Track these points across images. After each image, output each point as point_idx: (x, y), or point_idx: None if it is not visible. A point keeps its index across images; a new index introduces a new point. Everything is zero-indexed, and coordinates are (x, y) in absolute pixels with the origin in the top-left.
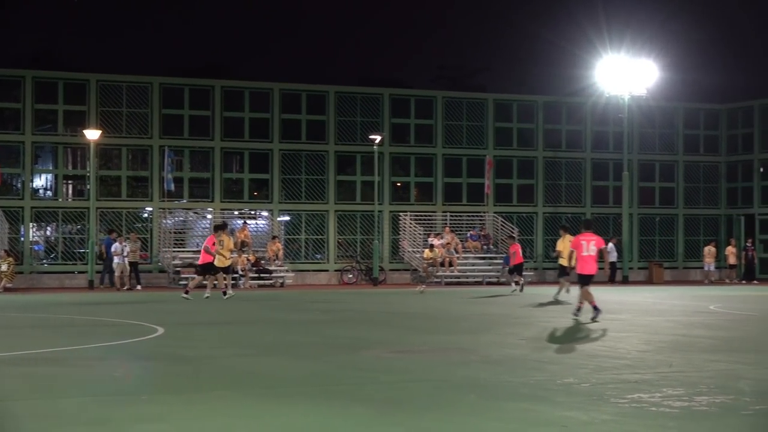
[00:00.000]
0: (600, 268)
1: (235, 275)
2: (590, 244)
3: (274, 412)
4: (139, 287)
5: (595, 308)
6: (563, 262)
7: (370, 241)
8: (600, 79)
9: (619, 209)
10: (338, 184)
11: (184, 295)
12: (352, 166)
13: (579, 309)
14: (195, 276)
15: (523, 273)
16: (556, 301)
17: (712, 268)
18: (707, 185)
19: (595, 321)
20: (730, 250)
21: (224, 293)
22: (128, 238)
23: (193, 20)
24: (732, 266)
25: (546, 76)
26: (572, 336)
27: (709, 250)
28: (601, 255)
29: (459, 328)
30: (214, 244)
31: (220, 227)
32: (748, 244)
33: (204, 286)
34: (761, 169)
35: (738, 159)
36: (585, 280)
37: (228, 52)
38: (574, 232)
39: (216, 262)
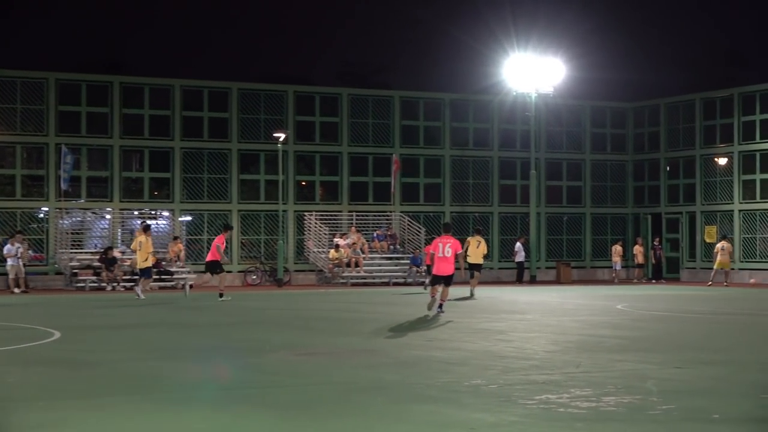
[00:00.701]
0: (456, 268)
1: (135, 277)
2: (446, 247)
3: (175, 418)
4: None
5: (440, 306)
6: (470, 259)
7: (275, 241)
8: (507, 77)
9: (527, 208)
10: (241, 183)
11: (222, 299)
12: (256, 164)
13: (441, 306)
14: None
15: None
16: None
17: (620, 267)
18: (614, 184)
19: (427, 316)
20: (638, 249)
21: (220, 295)
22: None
23: (89, 14)
24: (639, 265)
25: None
26: (480, 337)
27: (616, 249)
28: (457, 258)
29: (366, 330)
30: (224, 243)
31: (228, 227)
32: (655, 243)
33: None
34: (667, 168)
35: (645, 158)
36: (438, 281)
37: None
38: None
39: (139, 263)
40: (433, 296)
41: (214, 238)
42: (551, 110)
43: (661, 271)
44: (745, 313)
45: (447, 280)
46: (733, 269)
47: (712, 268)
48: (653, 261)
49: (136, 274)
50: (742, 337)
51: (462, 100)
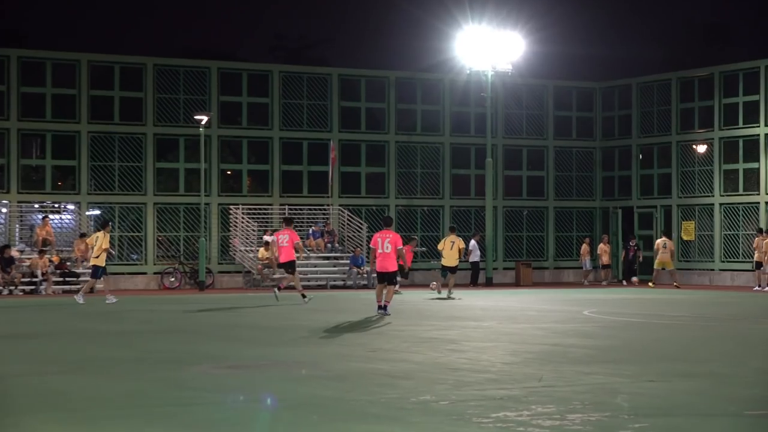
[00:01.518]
0: (399, 265)
1: (36, 279)
2: (385, 242)
3: None
4: None
5: (381, 307)
6: (444, 261)
7: (196, 238)
8: (460, 53)
9: (482, 201)
10: (158, 172)
11: (305, 298)
12: (175, 151)
13: (385, 308)
14: (285, 275)
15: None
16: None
17: (589, 266)
18: (580, 174)
19: (379, 316)
20: (603, 248)
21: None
22: None
23: None
24: (605, 266)
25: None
26: (429, 347)
27: (585, 247)
28: (398, 254)
29: (299, 339)
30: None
31: (289, 221)
32: (631, 244)
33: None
34: (640, 156)
35: (615, 144)
36: (381, 279)
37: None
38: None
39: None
40: (379, 302)
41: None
42: (510, 90)
43: (635, 271)
44: (725, 318)
45: (390, 278)
46: (712, 270)
47: (686, 270)
48: (624, 261)
49: (36, 276)
50: (722, 346)
51: (409, 79)
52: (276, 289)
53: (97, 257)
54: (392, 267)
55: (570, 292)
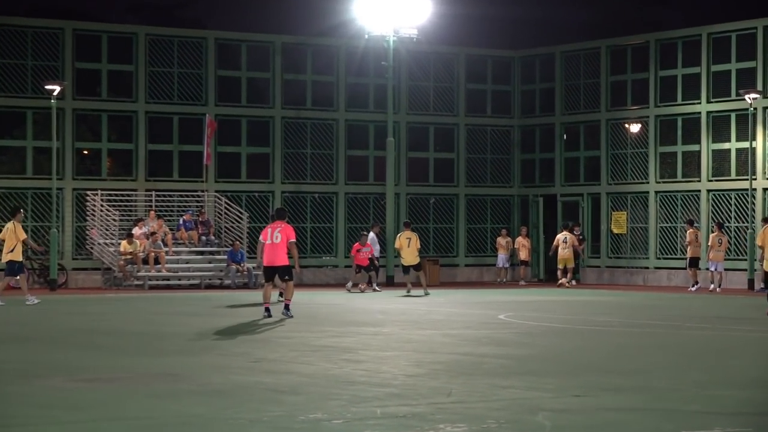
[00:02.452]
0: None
1: None
2: (276, 231)
3: None
4: None
5: (285, 307)
6: (404, 260)
7: (47, 229)
8: (357, 15)
9: (382, 187)
10: (1, 150)
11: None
12: (21, 126)
13: (287, 308)
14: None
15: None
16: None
17: (506, 263)
18: (496, 156)
19: (264, 318)
20: (521, 242)
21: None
22: None
23: None
24: (524, 263)
25: (286, 10)
26: (320, 356)
27: (501, 241)
28: (289, 248)
29: (168, 348)
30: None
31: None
32: (575, 233)
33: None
34: (564, 137)
35: (535, 123)
36: (271, 274)
37: None
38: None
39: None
40: (266, 304)
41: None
42: (415, 59)
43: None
44: (660, 324)
45: (281, 273)
46: (646, 268)
47: (617, 268)
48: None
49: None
50: (657, 356)
51: (298, 45)
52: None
53: (11, 251)
54: (281, 260)
55: (484, 293)
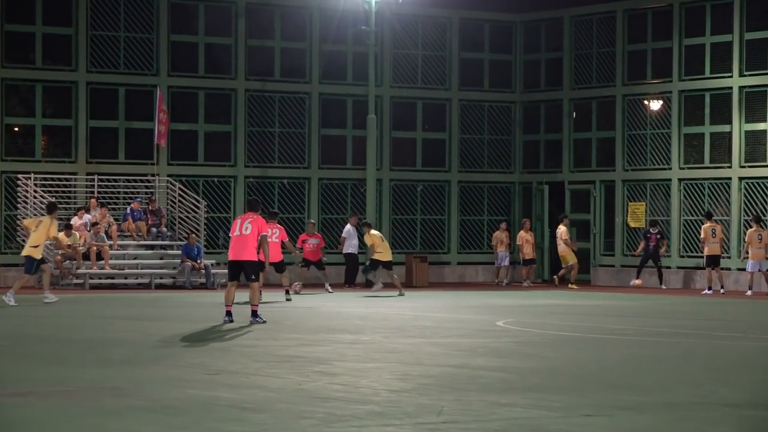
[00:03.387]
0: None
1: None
2: (246, 222)
3: None
4: None
5: (253, 314)
6: (379, 256)
7: None
8: None
9: (362, 172)
10: None
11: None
12: None
13: (255, 315)
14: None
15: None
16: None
17: (506, 262)
18: (495, 137)
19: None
20: (523, 237)
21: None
22: None
23: None
24: (528, 261)
25: None
26: (289, 368)
27: (499, 236)
28: (259, 243)
29: (114, 357)
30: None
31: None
32: (652, 231)
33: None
34: (574, 115)
35: (540, 99)
36: (236, 271)
37: None
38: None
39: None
40: (228, 307)
41: None
42: (400, 23)
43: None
44: (683, 332)
45: (248, 270)
46: (668, 267)
47: (633, 268)
48: (645, 252)
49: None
50: (679, 369)
51: (264, 6)
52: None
53: (35, 246)
54: (250, 255)
55: (479, 296)
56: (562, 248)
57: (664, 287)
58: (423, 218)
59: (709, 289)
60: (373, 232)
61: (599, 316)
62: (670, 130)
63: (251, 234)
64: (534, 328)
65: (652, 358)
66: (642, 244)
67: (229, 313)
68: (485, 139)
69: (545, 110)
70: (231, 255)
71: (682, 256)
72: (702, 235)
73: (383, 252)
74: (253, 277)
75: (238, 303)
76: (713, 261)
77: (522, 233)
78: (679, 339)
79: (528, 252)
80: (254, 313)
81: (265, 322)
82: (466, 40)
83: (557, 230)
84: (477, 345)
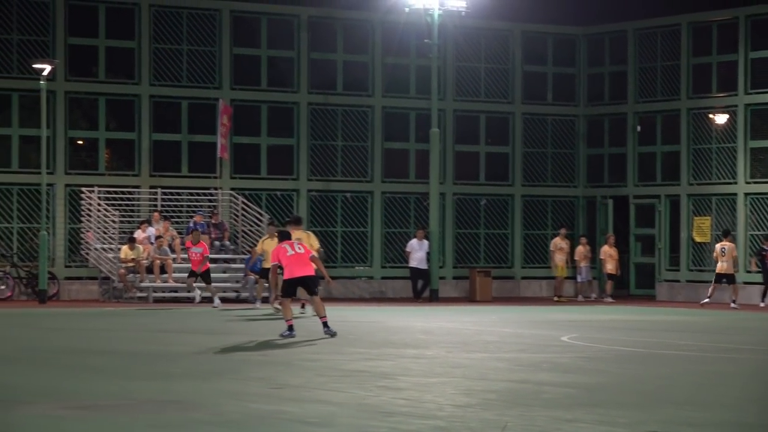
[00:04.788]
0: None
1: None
2: (295, 245)
3: None
4: None
5: (324, 325)
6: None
7: (35, 231)
8: None
9: (425, 186)
10: None
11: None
12: (5, 112)
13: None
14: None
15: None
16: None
17: (587, 276)
18: (558, 151)
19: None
20: (607, 252)
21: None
22: None
23: None
24: (610, 276)
25: None
26: (353, 382)
27: (582, 251)
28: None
29: (176, 371)
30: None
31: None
32: (766, 248)
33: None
34: (638, 129)
35: (604, 112)
36: (294, 287)
37: None
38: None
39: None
40: (289, 321)
41: None
42: (463, 36)
43: None
44: (752, 349)
45: (311, 284)
46: (739, 284)
47: (698, 282)
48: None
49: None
50: (748, 386)
51: (326, 19)
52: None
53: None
54: (310, 271)
55: (543, 311)
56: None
57: (762, 304)
58: (486, 232)
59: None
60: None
61: (664, 331)
62: (735, 144)
63: (305, 252)
64: (599, 344)
65: (719, 374)
66: (753, 261)
67: (291, 328)
68: (548, 152)
69: (609, 124)
70: (290, 273)
71: (749, 271)
72: (714, 253)
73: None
74: (315, 290)
75: (297, 317)
76: (719, 278)
77: (606, 248)
78: (746, 355)
79: (611, 267)
80: (326, 325)
81: (336, 333)
82: (529, 53)
83: (563, 244)
84: (541, 360)
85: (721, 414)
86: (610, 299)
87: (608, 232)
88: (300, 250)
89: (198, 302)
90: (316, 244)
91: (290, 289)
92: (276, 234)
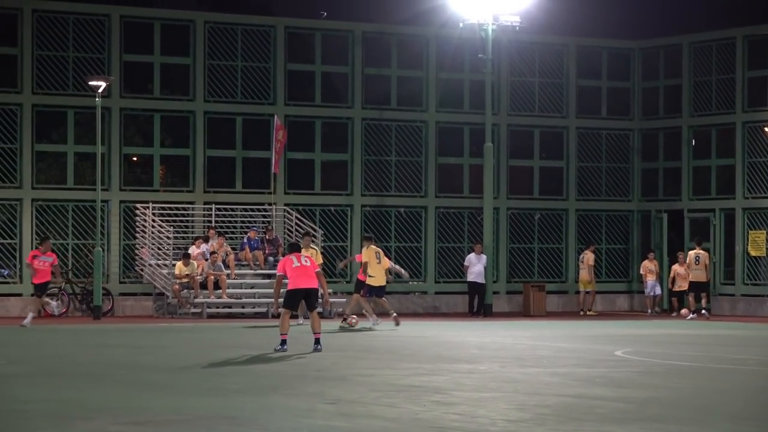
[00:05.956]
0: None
1: None
2: (302, 258)
3: None
4: None
5: (315, 342)
6: (371, 281)
7: (90, 247)
8: (449, 0)
9: (479, 200)
10: (37, 156)
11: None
12: (61, 128)
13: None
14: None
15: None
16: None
17: (657, 290)
18: (613, 165)
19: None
20: (676, 270)
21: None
22: None
23: None
24: (676, 293)
25: None
26: (406, 397)
27: (646, 265)
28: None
29: (230, 386)
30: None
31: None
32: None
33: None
34: (693, 142)
35: (659, 126)
36: (296, 300)
37: None
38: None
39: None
40: (284, 336)
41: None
42: (517, 51)
43: None
44: None
45: (314, 297)
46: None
47: (755, 297)
48: None
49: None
50: None
51: (380, 35)
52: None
53: (372, 277)
54: (314, 283)
55: (597, 325)
56: (586, 274)
57: None
58: (540, 246)
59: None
60: (372, 246)
61: (720, 345)
62: None
63: (311, 266)
64: (653, 358)
65: None
66: None
67: (284, 342)
68: (603, 167)
69: (664, 138)
70: (292, 284)
71: None
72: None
73: (375, 275)
74: (315, 305)
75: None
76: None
77: (676, 267)
78: None
79: (684, 284)
80: (318, 341)
81: (321, 349)
82: (583, 67)
83: (586, 255)
84: (595, 375)
85: None
86: (692, 316)
87: (663, 248)
88: (306, 263)
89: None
90: (390, 264)
91: (293, 300)
92: (308, 245)
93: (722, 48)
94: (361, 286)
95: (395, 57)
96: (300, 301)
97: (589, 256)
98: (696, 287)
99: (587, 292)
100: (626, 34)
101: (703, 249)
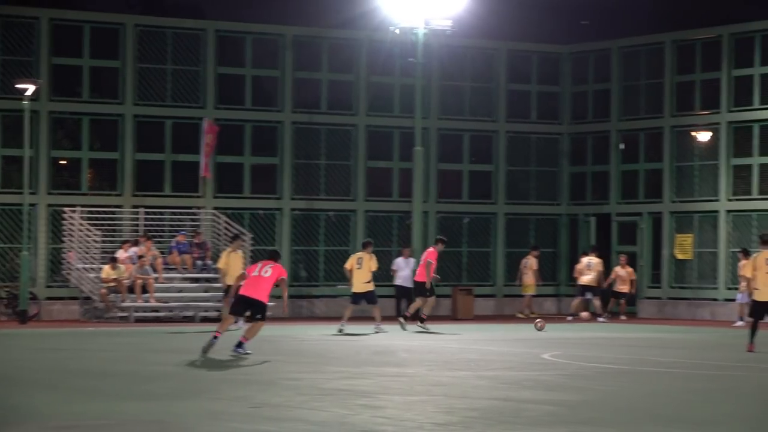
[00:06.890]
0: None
1: None
2: (267, 266)
3: None
4: None
5: (238, 344)
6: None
7: (16, 251)
8: (382, 4)
9: (409, 204)
10: None
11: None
12: None
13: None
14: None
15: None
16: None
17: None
18: (542, 169)
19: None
20: (618, 272)
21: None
22: None
23: None
24: (617, 294)
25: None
26: (333, 401)
27: (591, 261)
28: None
29: (157, 391)
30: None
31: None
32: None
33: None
34: (621, 146)
35: (588, 130)
36: (243, 308)
37: None
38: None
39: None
40: (218, 333)
41: None
42: (448, 55)
43: None
44: (734, 366)
45: (258, 310)
46: (715, 300)
47: (680, 300)
48: None
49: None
50: (731, 404)
51: (311, 39)
52: (402, 319)
53: (368, 282)
54: (263, 296)
55: (525, 329)
56: (530, 278)
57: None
58: (469, 250)
59: (741, 320)
60: (359, 252)
61: (647, 348)
62: (718, 161)
63: (271, 277)
64: (581, 361)
65: (702, 391)
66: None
67: (215, 338)
68: (532, 171)
69: (593, 142)
70: (243, 290)
71: (730, 289)
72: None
73: (354, 283)
74: (259, 316)
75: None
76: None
77: (618, 269)
78: (728, 372)
79: (624, 285)
80: (241, 345)
81: (250, 353)
82: (513, 72)
83: (528, 260)
84: (523, 378)
85: (706, 430)
86: (623, 317)
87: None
88: (265, 274)
89: None
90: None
91: (238, 307)
92: (238, 247)
93: (651, 53)
94: (420, 287)
95: (326, 61)
96: (245, 309)
97: (532, 261)
98: (587, 290)
99: (532, 296)
100: (556, 38)
101: (598, 257)
